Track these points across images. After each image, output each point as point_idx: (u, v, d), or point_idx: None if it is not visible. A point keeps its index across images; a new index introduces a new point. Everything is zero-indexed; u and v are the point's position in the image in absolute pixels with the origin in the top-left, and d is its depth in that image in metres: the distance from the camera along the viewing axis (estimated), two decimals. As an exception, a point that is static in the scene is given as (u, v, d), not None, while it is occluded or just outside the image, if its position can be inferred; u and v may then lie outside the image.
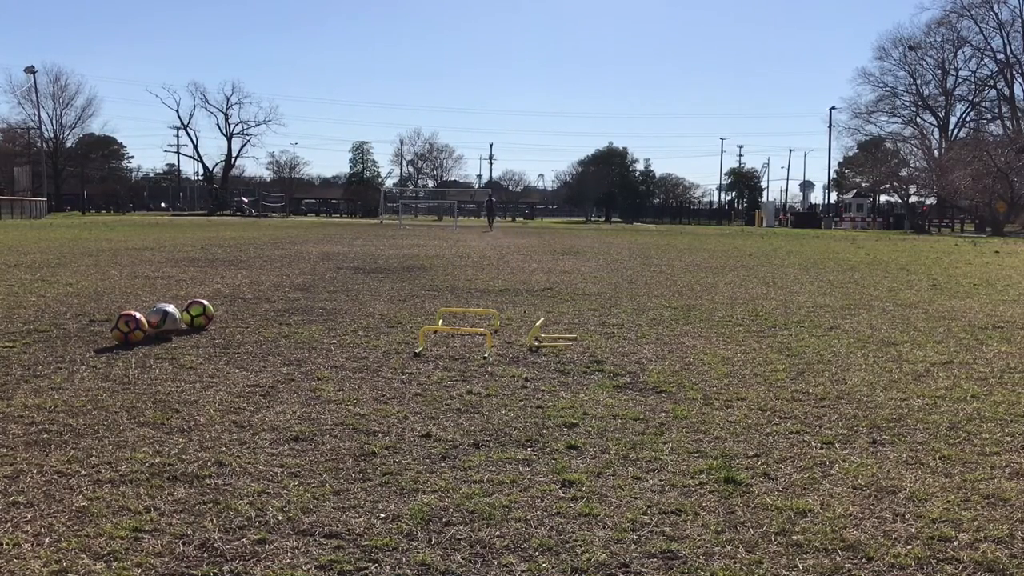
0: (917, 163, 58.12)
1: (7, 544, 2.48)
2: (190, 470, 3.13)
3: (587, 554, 2.48)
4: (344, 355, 5.42)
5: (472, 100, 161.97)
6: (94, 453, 3.32)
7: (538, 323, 6.37)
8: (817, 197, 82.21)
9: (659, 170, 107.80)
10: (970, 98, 64.02)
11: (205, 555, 2.44)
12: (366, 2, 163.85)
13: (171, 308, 6.10)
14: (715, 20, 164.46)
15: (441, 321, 6.79)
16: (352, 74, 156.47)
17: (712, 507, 2.86)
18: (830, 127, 67.13)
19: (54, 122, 73.63)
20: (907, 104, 65.26)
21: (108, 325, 6.20)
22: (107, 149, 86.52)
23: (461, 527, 2.66)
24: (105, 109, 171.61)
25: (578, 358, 5.45)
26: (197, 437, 3.56)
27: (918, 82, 64.28)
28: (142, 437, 3.55)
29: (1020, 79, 59.89)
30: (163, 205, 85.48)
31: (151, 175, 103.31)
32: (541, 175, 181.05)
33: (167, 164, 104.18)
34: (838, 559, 2.48)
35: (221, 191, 77.85)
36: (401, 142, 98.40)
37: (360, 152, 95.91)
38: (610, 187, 78.22)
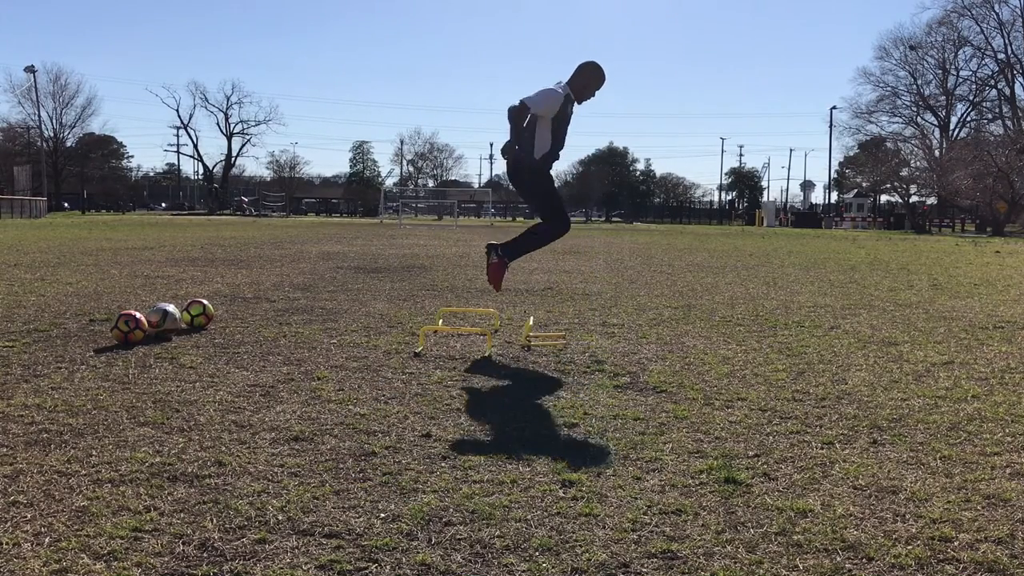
0: (918, 163, 58.17)
1: (7, 544, 2.48)
2: (190, 470, 3.13)
3: (587, 554, 2.48)
4: (344, 355, 5.42)
5: (472, 99, 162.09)
6: (94, 453, 3.32)
7: (529, 322, 6.37)
8: (818, 197, 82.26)
9: (659, 170, 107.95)
10: (971, 98, 64.04)
11: (205, 555, 2.44)
12: (366, 2, 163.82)
13: (171, 307, 6.10)
14: (715, 20, 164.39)
15: (441, 321, 6.78)
16: (352, 74, 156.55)
17: (712, 507, 2.86)
18: (831, 127, 67.19)
19: (54, 121, 73.74)
20: (908, 104, 65.33)
21: (108, 325, 6.20)
22: (107, 148, 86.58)
23: (461, 527, 2.66)
24: (105, 108, 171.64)
25: (578, 358, 5.45)
26: (197, 437, 3.56)
27: (919, 82, 64.34)
28: (142, 437, 3.55)
29: (1021, 79, 59.87)
30: (163, 205, 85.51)
31: (151, 175, 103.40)
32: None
33: (167, 164, 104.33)
34: (838, 559, 2.48)
35: (221, 191, 77.86)
36: (401, 142, 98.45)
37: (360, 152, 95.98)
38: (611, 187, 78.25)
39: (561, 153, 5.89)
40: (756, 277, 12.05)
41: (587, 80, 5.76)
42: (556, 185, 5.96)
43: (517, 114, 5.54)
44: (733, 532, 2.66)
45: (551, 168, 5.90)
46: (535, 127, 5.63)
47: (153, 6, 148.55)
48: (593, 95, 5.83)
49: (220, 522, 2.66)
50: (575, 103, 5.83)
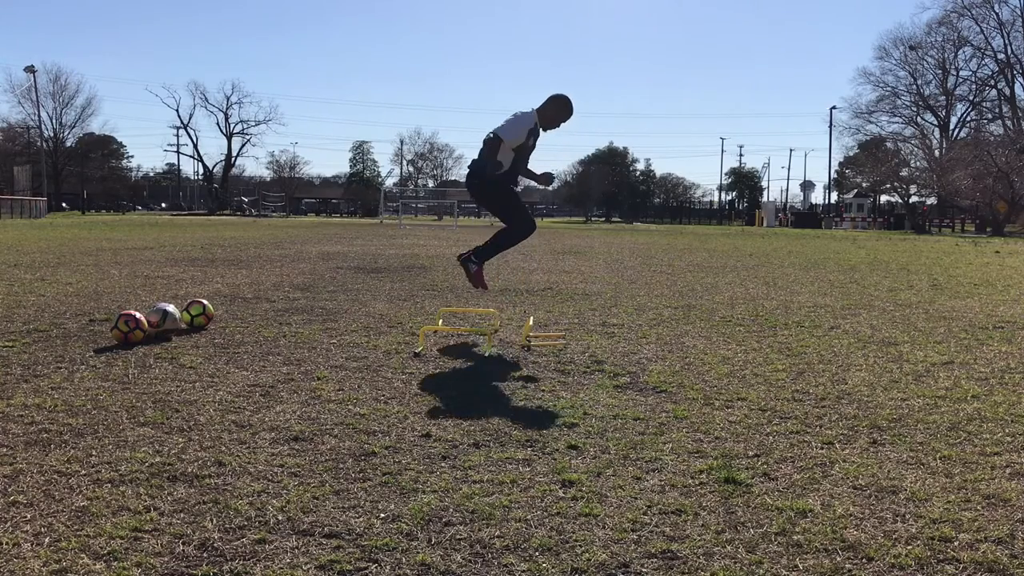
0: (918, 163, 58.17)
1: (7, 544, 2.48)
2: (190, 470, 3.13)
3: (587, 554, 2.48)
4: (344, 355, 5.42)
5: (472, 100, 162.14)
6: (94, 453, 3.32)
7: (529, 322, 6.37)
8: (818, 197, 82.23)
9: (659, 170, 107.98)
10: (971, 98, 64.03)
11: (205, 555, 2.44)
12: (366, 2, 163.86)
13: (171, 307, 6.10)
14: (715, 20, 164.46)
15: (441, 321, 6.78)
16: (352, 74, 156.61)
17: (712, 507, 2.86)
18: (831, 127, 67.18)
19: (54, 121, 73.79)
20: (908, 104, 65.35)
21: (108, 325, 6.20)
22: (107, 148, 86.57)
23: (461, 527, 2.66)
24: (105, 108, 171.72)
25: (578, 358, 5.45)
26: (197, 437, 3.56)
27: (919, 82, 64.35)
28: (142, 437, 3.55)
29: (1021, 79, 59.86)
30: (163, 205, 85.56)
31: (151, 175, 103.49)
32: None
33: (167, 164, 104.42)
34: (838, 559, 2.48)
35: (221, 191, 77.87)
36: (401, 142, 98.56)
37: (360, 152, 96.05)
38: (611, 187, 78.23)
39: (518, 179, 6.45)
40: (756, 277, 12.05)
41: (557, 112, 6.27)
42: (519, 193, 6.40)
43: (491, 147, 6.06)
44: (733, 532, 2.66)
45: (507, 183, 6.39)
46: (498, 149, 6.12)
47: (153, 6, 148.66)
48: (559, 126, 6.35)
49: (220, 522, 2.66)
50: (541, 131, 6.33)
